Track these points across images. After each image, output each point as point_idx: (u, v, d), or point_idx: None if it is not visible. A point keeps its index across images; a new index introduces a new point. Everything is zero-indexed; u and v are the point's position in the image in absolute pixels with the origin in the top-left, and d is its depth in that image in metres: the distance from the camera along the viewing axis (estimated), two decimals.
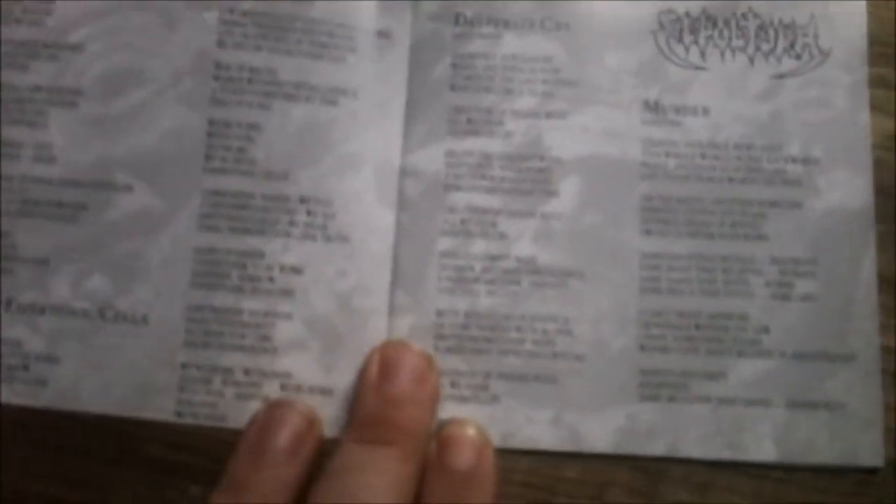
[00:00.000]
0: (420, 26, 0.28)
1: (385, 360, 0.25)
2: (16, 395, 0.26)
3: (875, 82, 0.28)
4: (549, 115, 0.28)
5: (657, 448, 0.26)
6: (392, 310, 0.27)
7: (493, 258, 0.27)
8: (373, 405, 0.25)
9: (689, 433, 0.26)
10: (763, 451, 0.26)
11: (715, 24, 0.28)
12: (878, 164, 0.27)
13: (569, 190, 0.27)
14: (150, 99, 0.27)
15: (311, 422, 0.25)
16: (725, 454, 0.26)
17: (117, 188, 0.27)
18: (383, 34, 0.28)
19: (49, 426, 0.26)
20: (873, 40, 0.28)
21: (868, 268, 0.27)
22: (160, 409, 0.26)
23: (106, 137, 0.27)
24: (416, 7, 0.29)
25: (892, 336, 0.27)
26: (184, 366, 0.26)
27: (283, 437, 0.24)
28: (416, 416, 0.25)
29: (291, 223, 0.27)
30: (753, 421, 0.26)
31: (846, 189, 0.27)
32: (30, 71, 0.28)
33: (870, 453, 0.26)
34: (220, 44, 0.28)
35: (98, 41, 0.28)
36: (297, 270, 0.27)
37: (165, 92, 0.27)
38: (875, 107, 0.28)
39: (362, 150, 0.27)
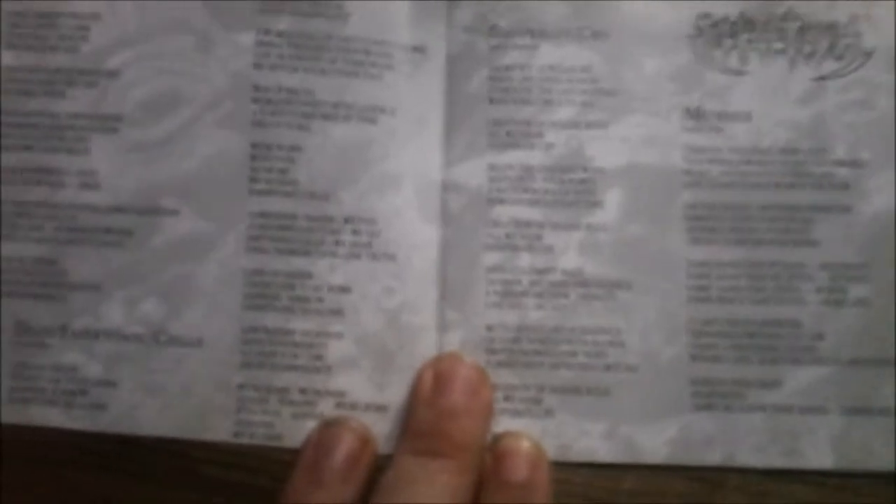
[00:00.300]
0: (455, 39, 0.28)
1: (438, 373, 0.26)
2: (74, 419, 0.27)
3: None
4: (589, 126, 0.28)
5: (713, 457, 0.26)
6: (441, 325, 0.27)
7: (540, 271, 0.27)
8: (427, 417, 0.25)
9: (745, 442, 0.26)
10: (819, 458, 0.26)
11: (754, 28, 0.28)
12: None
13: (612, 200, 0.27)
14: (190, 123, 0.28)
15: (365, 440, 0.25)
16: (782, 462, 0.26)
17: (163, 213, 0.27)
18: (419, 49, 0.28)
19: (104, 449, 0.26)
20: None
21: None
22: (219, 430, 0.26)
23: (149, 162, 0.27)
24: (450, 20, 0.28)
25: None
26: (240, 387, 0.26)
27: (338, 457, 0.25)
28: (470, 428, 0.25)
29: (337, 243, 0.27)
30: (809, 428, 0.26)
31: (895, 191, 0.27)
32: (67, 98, 0.28)
33: None
34: (257, 66, 0.28)
35: (135, 66, 0.28)
36: (345, 289, 0.27)
37: (205, 115, 0.28)
38: None
39: (402, 166, 0.27)
